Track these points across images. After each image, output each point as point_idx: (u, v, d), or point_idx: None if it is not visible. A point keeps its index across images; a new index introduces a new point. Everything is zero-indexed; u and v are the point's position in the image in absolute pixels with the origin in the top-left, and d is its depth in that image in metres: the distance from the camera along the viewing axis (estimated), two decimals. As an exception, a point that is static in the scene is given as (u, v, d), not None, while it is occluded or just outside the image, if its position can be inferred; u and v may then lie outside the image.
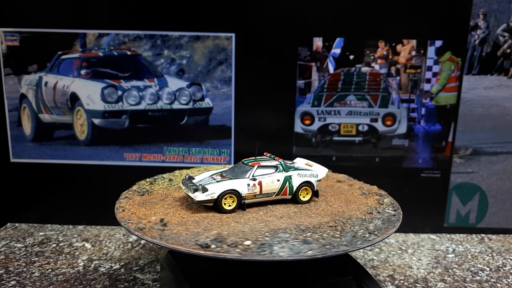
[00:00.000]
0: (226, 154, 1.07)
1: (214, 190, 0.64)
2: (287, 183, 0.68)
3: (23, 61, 1.04)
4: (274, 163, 0.69)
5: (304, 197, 0.70)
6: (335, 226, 0.61)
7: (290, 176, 0.68)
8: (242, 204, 0.66)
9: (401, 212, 0.68)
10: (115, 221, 0.65)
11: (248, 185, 0.66)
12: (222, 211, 0.64)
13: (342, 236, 0.58)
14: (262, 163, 0.68)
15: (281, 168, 0.68)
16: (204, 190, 0.64)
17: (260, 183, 0.66)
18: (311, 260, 0.54)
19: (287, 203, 0.69)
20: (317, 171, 0.72)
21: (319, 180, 0.71)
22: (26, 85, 1.06)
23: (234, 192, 0.65)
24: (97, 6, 1.01)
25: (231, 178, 0.66)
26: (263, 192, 0.67)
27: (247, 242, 0.55)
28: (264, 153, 0.73)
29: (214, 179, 0.67)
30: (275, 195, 0.68)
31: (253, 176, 0.66)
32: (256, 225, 0.61)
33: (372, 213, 0.66)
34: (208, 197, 0.64)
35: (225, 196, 0.64)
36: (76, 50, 1.04)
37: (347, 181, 0.82)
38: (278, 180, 0.68)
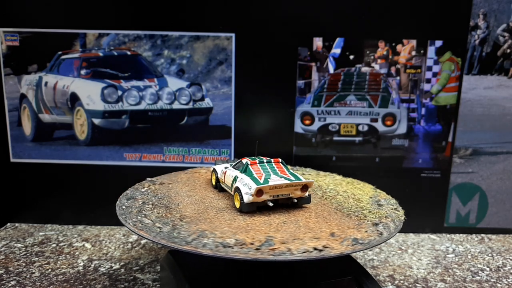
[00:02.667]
0: (226, 154, 1.07)
1: (215, 167, 0.77)
2: (234, 182, 0.68)
3: (23, 61, 1.04)
4: (245, 161, 0.70)
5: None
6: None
7: (237, 177, 0.67)
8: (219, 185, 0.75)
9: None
10: (115, 221, 0.66)
11: (221, 170, 0.74)
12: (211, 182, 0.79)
13: None
14: (244, 160, 0.71)
15: (242, 167, 0.69)
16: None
17: (225, 173, 0.72)
18: (310, 260, 0.54)
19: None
20: (252, 185, 0.64)
21: (252, 195, 0.64)
22: (26, 85, 1.06)
23: (215, 171, 0.76)
24: (97, 6, 1.01)
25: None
26: (225, 182, 0.72)
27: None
28: (273, 160, 0.72)
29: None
30: (231, 190, 0.70)
31: (230, 166, 0.73)
32: (172, 200, 0.72)
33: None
34: (211, 168, 0.80)
35: (212, 173, 0.78)
36: (76, 50, 1.04)
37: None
38: (231, 177, 0.69)
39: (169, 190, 0.76)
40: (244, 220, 0.64)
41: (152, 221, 0.63)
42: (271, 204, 0.66)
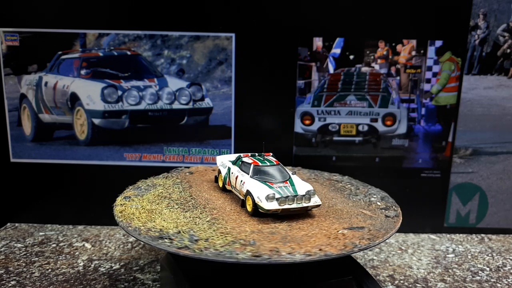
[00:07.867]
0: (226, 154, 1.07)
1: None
2: None
3: (23, 61, 1.04)
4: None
5: None
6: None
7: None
8: None
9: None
10: (115, 221, 0.66)
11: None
12: None
13: None
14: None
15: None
16: None
17: None
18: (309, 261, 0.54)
19: None
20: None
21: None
22: (26, 85, 1.06)
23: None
24: (97, 6, 1.01)
25: None
26: None
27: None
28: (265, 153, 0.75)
29: None
30: None
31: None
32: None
33: None
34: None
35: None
36: (76, 50, 1.04)
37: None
38: None
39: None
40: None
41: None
42: None
